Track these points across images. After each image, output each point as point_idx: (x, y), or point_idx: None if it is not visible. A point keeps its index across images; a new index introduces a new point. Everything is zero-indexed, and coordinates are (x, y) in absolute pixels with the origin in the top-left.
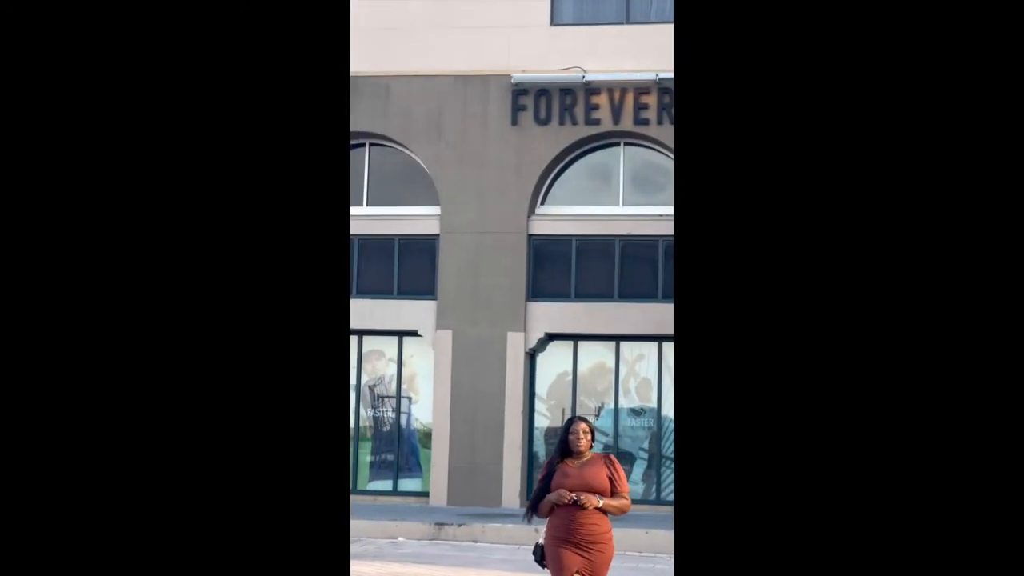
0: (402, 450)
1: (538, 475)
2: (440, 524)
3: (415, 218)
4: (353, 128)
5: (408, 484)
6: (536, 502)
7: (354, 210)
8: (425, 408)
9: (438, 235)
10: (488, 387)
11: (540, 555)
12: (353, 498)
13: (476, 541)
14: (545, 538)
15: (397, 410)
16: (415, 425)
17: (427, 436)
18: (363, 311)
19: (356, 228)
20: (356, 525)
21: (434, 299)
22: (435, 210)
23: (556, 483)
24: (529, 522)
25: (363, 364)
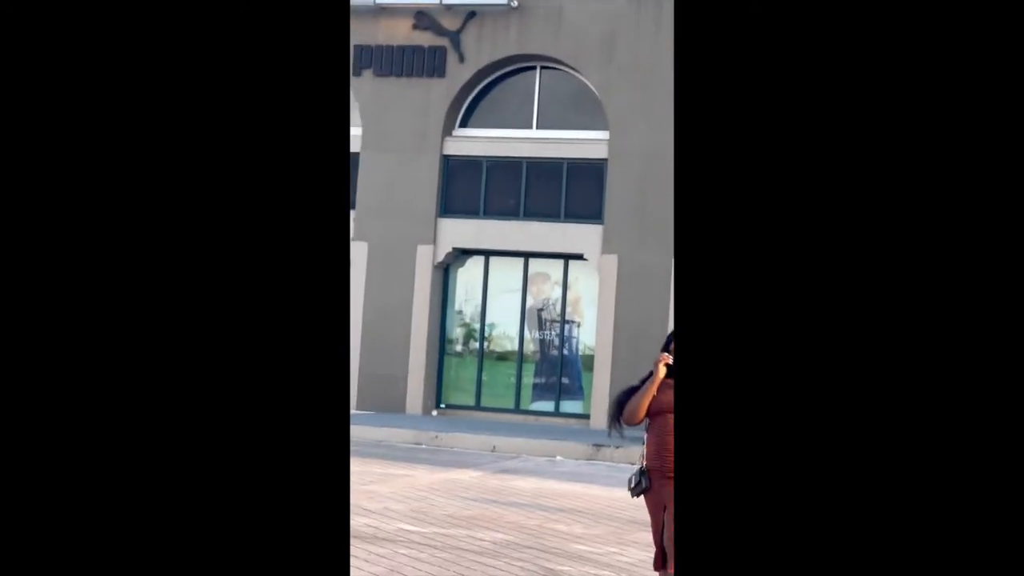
0: (565, 372)
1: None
2: (598, 446)
3: (584, 142)
4: (525, 51)
5: (569, 406)
6: (622, 402)
7: (523, 132)
8: (589, 332)
9: (606, 159)
10: (652, 313)
11: (637, 486)
12: (515, 417)
13: (633, 464)
14: (645, 464)
15: (561, 333)
16: (579, 349)
17: (590, 359)
18: (530, 233)
19: (525, 151)
20: (516, 443)
21: (601, 223)
22: (604, 134)
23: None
24: (619, 433)
25: (528, 287)
